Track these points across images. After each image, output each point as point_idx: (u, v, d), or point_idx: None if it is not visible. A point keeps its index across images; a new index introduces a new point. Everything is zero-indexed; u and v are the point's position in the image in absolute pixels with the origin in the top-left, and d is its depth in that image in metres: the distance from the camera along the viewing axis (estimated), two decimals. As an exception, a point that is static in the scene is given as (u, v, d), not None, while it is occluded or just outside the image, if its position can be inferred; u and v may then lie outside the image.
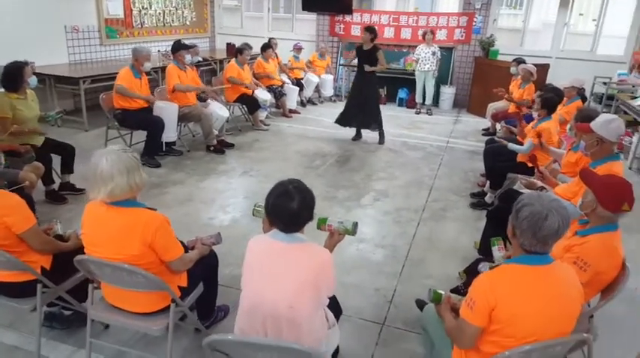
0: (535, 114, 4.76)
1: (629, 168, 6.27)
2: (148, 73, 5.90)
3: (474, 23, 9.15)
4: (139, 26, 8.86)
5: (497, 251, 2.54)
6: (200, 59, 8.71)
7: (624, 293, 3.39)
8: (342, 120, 6.97)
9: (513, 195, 3.91)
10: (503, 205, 3.51)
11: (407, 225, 4.38)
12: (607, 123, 3.07)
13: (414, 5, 10.31)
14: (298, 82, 8.82)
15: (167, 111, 5.59)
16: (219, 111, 6.14)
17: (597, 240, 2.26)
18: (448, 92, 9.34)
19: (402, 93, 9.45)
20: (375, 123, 6.86)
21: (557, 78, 7.75)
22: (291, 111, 8.33)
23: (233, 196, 4.85)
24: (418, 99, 8.97)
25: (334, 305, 2.37)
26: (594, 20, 9.22)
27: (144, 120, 5.46)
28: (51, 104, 6.90)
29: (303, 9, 9.77)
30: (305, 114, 8.54)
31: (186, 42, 6.27)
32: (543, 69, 8.23)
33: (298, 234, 2.02)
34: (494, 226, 3.44)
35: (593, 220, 2.33)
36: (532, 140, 4.45)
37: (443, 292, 2.20)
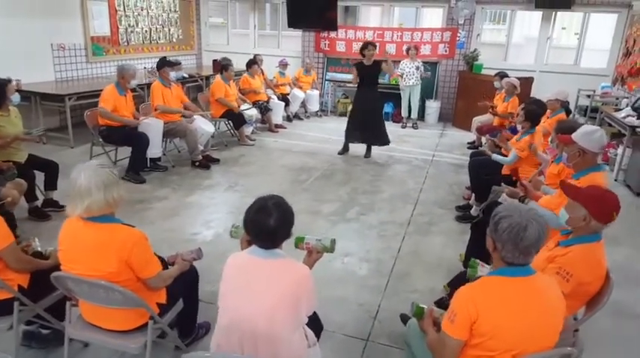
0: (519, 127, 4.81)
1: (615, 180, 6.33)
2: (133, 90, 5.90)
3: (457, 38, 9.28)
4: (126, 44, 8.87)
5: (481, 270, 2.41)
6: (186, 75, 8.75)
7: (611, 306, 3.39)
8: (349, 137, 6.97)
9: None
10: (488, 217, 3.52)
11: (392, 239, 4.37)
12: (589, 135, 3.09)
13: (398, 21, 10.45)
14: (284, 98, 8.85)
15: (152, 127, 5.57)
16: (204, 126, 6.13)
17: (580, 250, 2.25)
18: (433, 106, 9.43)
19: (387, 108, 9.50)
20: (385, 137, 6.89)
21: (541, 91, 7.85)
22: (277, 126, 8.34)
23: (217, 211, 4.82)
24: (404, 113, 9.04)
25: (314, 322, 2.33)
26: (577, 34, 9.41)
27: (128, 136, 5.43)
28: (36, 121, 6.87)
29: (289, 26, 9.87)
30: (291, 129, 8.56)
31: (172, 59, 6.29)
32: (527, 82, 8.34)
33: (277, 250, 2.00)
34: (479, 238, 3.43)
35: (576, 231, 2.32)
36: (516, 152, 4.50)
37: (425, 306, 2.18)
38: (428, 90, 9.39)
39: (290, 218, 2.01)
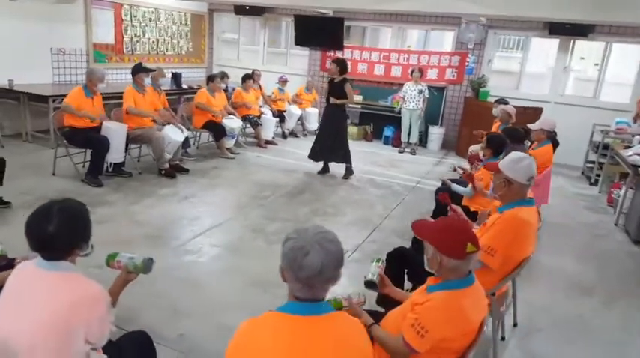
0: (480, 154, 4.39)
1: (615, 225, 5.72)
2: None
3: (466, 63, 8.86)
4: (130, 53, 8.96)
5: (376, 267, 2.37)
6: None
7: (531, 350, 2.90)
8: (313, 155, 6.72)
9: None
10: (405, 249, 3.13)
11: (328, 265, 3.99)
12: (514, 163, 2.71)
13: (414, 43, 10.15)
14: (280, 114, 8.66)
15: (114, 131, 5.45)
16: (172, 134, 5.96)
17: (441, 299, 1.85)
18: (437, 132, 9.00)
19: (388, 131, 9.17)
20: (342, 156, 6.58)
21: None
22: (267, 142, 8.14)
23: (147, 223, 4.53)
24: (403, 137, 8.66)
25: (145, 349, 2.04)
26: (596, 65, 8.80)
27: (89, 139, 5.36)
28: (23, 121, 7.00)
29: (296, 44, 9.79)
30: (282, 146, 8.33)
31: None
32: (535, 112, 7.79)
33: (65, 262, 1.72)
34: (397, 268, 3.00)
35: (444, 275, 1.92)
36: (475, 182, 4.09)
37: None
38: (433, 116, 8.98)
39: (78, 228, 1.75)
